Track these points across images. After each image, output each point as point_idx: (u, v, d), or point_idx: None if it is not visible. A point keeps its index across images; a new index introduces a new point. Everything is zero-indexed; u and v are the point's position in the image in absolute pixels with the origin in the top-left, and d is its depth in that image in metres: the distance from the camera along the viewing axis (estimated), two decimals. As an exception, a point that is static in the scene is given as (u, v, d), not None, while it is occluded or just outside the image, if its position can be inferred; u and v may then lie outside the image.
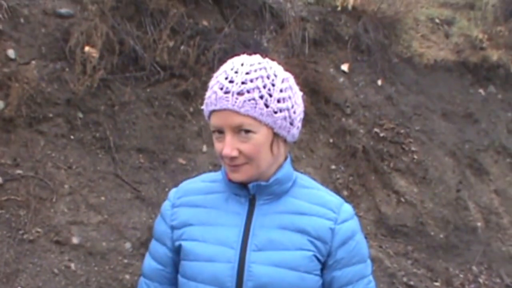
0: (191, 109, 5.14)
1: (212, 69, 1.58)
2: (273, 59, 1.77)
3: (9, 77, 4.20)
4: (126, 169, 4.53)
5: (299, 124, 1.77)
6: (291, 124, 1.73)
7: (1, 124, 4.15)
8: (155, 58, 5.00)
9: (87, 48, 4.58)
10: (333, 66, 6.24)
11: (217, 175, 1.87)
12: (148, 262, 1.94)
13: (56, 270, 3.78)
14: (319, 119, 5.83)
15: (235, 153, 1.66)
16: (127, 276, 3.95)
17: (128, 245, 4.12)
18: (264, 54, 1.81)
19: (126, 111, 4.78)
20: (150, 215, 4.35)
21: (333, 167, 5.70)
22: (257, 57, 1.73)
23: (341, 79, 6.20)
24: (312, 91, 5.82)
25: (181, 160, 4.87)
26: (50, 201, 4.06)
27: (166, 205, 1.90)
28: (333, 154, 5.76)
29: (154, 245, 1.93)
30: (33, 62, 4.40)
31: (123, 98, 4.78)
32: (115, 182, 4.42)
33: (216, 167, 4.79)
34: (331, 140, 5.81)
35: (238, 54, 1.76)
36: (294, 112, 1.72)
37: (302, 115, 1.78)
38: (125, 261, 4.03)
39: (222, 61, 1.80)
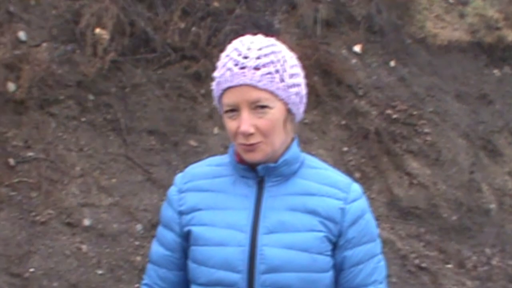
0: (202, 91, 5.11)
1: (223, 51, 1.57)
2: (284, 41, 1.75)
3: (20, 60, 4.19)
4: (137, 151, 4.53)
5: (305, 103, 1.77)
6: (301, 101, 1.72)
7: (13, 106, 4.15)
8: (166, 40, 4.97)
9: (97, 30, 4.56)
10: (346, 47, 6.18)
11: (223, 158, 1.84)
12: (156, 249, 1.91)
13: (67, 252, 3.80)
14: (331, 101, 5.78)
15: (252, 130, 1.63)
16: (138, 258, 3.96)
17: (139, 227, 4.13)
18: (276, 35, 1.79)
19: (137, 93, 4.76)
20: (161, 197, 4.35)
21: (345, 149, 5.66)
22: (261, 36, 1.72)
23: (354, 61, 6.14)
24: (324, 72, 5.77)
25: (192, 142, 4.86)
26: (62, 183, 4.07)
27: (172, 190, 1.87)
28: (345, 136, 5.72)
29: (161, 231, 1.90)
30: (44, 44, 4.39)
31: (134, 80, 4.77)
32: (126, 164, 4.42)
33: (227, 149, 4.78)
34: (343, 122, 5.76)
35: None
36: (303, 89, 1.72)
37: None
38: (136, 243, 4.04)
39: (233, 42, 1.78)
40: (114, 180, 4.28)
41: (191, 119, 4.97)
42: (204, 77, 5.13)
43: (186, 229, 1.80)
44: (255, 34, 1.75)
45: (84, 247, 3.87)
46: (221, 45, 5.06)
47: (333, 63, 5.88)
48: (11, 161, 3.98)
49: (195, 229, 1.78)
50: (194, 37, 5.08)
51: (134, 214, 4.17)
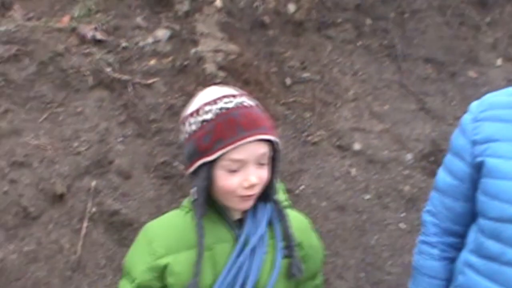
0: (487, 19, 4.73)
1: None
2: None
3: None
4: (412, 79, 4.35)
5: None
6: None
7: (291, 27, 4.23)
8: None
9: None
10: None
11: None
12: (443, 177, 1.80)
13: (336, 174, 3.82)
14: None
15: None
16: (407, 187, 3.84)
17: (409, 156, 3.99)
18: None
19: (416, 19, 4.56)
20: (434, 128, 4.15)
21: None
22: None
23: None
24: None
25: (471, 73, 4.53)
26: (335, 106, 4.08)
27: (466, 118, 1.74)
28: None
29: (450, 159, 1.78)
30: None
31: (413, 5, 4.57)
32: (400, 92, 4.28)
33: (510, 82, 4.38)
34: None
35: None
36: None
37: None
38: (405, 172, 3.91)
39: None
40: (386, 107, 4.17)
41: (472, 49, 4.63)
42: (490, 4, 4.74)
43: (478, 159, 1.66)
44: None
45: (353, 171, 3.85)
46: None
47: None
48: (288, 81, 4.07)
49: (489, 161, 1.63)
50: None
51: (405, 143, 4.03)
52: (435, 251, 1.80)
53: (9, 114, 3.33)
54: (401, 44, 4.43)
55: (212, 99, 1.57)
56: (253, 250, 1.59)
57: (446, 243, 1.80)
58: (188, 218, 1.64)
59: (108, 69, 3.61)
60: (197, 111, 1.56)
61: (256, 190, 1.57)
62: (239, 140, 1.50)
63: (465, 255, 1.71)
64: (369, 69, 4.29)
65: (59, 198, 3.20)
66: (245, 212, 1.64)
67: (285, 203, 1.74)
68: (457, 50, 4.58)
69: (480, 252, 1.64)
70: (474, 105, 1.75)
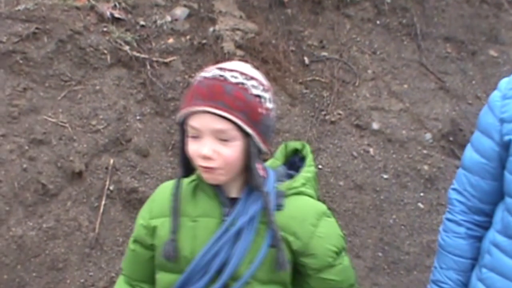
0: (510, -3, 4.66)
1: None
2: None
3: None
4: (431, 58, 4.30)
5: None
6: None
7: (310, 5, 4.19)
8: None
9: None
10: None
11: None
12: (470, 154, 1.76)
13: (355, 153, 3.80)
14: None
15: None
16: (425, 167, 3.81)
17: (428, 135, 3.95)
18: None
19: (436, -3, 4.51)
20: (454, 107, 4.10)
21: None
22: None
23: None
24: None
25: (492, 52, 4.47)
26: (353, 85, 4.04)
27: (495, 95, 1.69)
28: None
29: (478, 137, 1.74)
30: None
31: (433, -17, 4.50)
32: (419, 71, 4.23)
33: (531, 62, 4.33)
34: None
35: None
36: None
37: None
38: (424, 151, 3.88)
39: None
40: (405, 86, 4.13)
41: (493, 27, 4.57)
42: (511, -18, 4.66)
43: (507, 138, 1.62)
44: None
45: (371, 150, 3.83)
46: None
47: None
48: (306, 60, 4.04)
49: None
50: None
51: (424, 122, 4.00)
52: (461, 230, 1.77)
53: (28, 92, 3.34)
54: (421, 22, 4.37)
55: (214, 67, 1.56)
56: (238, 233, 1.54)
57: (473, 222, 1.77)
58: (189, 187, 1.63)
59: (126, 48, 3.60)
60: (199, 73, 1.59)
61: (214, 165, 1.51)
62: (190, 106, 1.49)
63: (492, 234, 1.68)
64: (388, 48, 4.24)
65: (78, 175, 3.21)
66: (242, 192, 1.59)
67: (296, 189, 1.63)
68: (477, 28, 4.52)
69: (507, 232, 1.61)
70: (503, 82, 1.70)
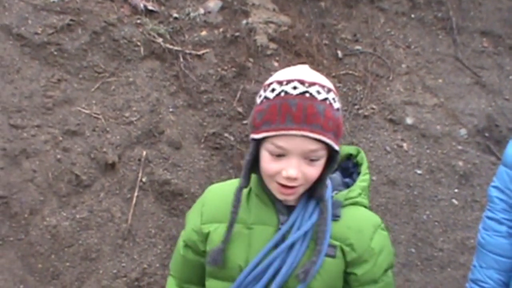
0: (548, -9, 4.56)
1: None
2: None
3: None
4: (467, 53, 4.23)
5: None
6: None
7: (344, -1, 4.15)
8: None
9: None
10: None
11: None
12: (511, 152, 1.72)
13: (388, 148, 3.75)
14: None
15: None
16: (460, 163, 3.75)
17: (463, 131, 3.89)
18: None
19: (472, -10, 4.43)
20: (490, 103, 4.03)
21: None
22: None
23: None
24: None
25: (530, 47, 4.39)
26: (387, 79, 4.00)
27: None
28: None
29: None
30: None
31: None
32: (455, 65, 4.17)
33: None
34: None
35: None
36: None
37: None
38: (459, 147, 3.82)
39: None
40: (440, 81, 4.07)
41: (531, 21, 4.48)
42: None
43: None
44: None
45: (404, 145, 3.78)
46: None
47: None
48: (339, 53, 4.00)
49: None
50: None
51: (459, 117, 3.93)
52: (503, 228, 1.74)
53: (62, 83, 3.36)
54: (457, 16, 4.30)
55: (285, 78, 1.49)
56: (291, 245, 1.52)
57: None
58: (243, 193, 1.59)
59: (160, 40, 3.60)
60: (268, 85, 1.50)
61: (297, 184, 1.47)
62: (284, 129, 1.43)
63: None
64: (422, 42, 4.19)
65: (111, 167, 3.23)
66: (298, 200, 1.56)
67: (353, 199, 1.61)
68: (515, 22, 4.45)
69: None
70: None
